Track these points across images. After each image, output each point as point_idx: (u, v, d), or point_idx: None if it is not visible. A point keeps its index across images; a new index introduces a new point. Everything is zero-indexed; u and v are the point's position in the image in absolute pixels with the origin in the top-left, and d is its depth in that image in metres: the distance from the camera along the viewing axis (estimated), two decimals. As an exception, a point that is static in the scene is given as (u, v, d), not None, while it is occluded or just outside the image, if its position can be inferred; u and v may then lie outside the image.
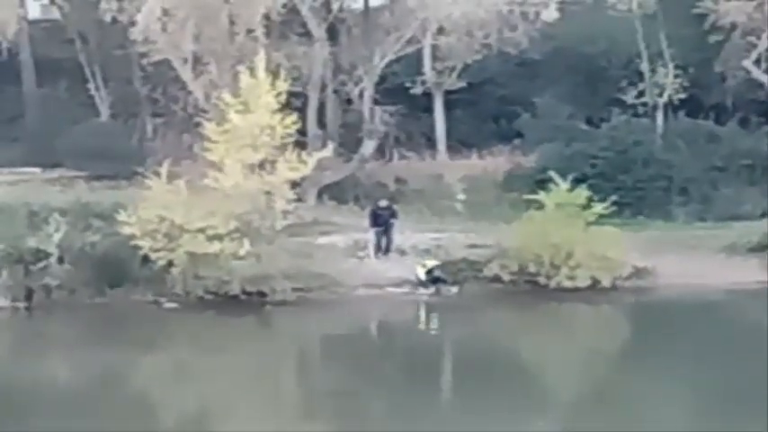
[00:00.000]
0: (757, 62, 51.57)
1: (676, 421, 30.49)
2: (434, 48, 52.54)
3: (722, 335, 40.40)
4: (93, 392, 34.18)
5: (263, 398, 34.39)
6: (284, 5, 49.09)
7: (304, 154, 43.98)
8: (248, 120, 42.63)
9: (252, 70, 43.21)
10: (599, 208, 44.52)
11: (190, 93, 49.18)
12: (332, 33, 53.35)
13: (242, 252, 41.88)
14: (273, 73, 43.54)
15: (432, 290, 44.47)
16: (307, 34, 51.87)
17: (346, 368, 37.57)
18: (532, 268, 43.96)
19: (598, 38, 56.96)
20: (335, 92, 53.47)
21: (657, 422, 30.20)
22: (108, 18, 49.11)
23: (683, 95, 54.04)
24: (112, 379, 35.70)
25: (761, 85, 51.67)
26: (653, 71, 54.51)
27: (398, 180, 52.86)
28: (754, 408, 30.58)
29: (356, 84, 52.93)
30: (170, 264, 42.17)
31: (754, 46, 51.52)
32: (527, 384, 35.08)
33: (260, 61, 43.38)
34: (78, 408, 32.01)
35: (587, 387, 35.48)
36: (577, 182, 45.58)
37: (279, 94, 42.88)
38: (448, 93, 53.89)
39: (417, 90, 53.69)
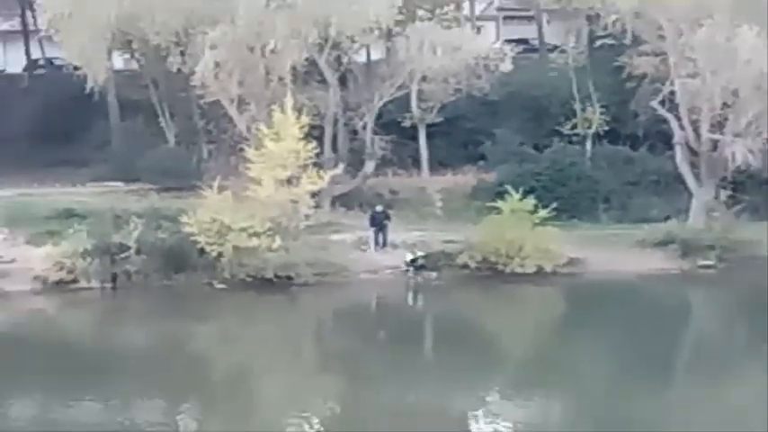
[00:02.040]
0: (662, 103, 51.53)
1: (598, 366, 33.72)
2: (419, 91, 53.10)
3: (634, 307, 42.77)
4: (161, 350, 36.91)
5: (291, 351, 37.47)
6: (306, 59, 49.51)
7: (321, 172, 45.46)
8: (279, 146, 44.00)
9: (282, 108, 44.65)
10: (542, 213, 45.88)
11: (235, 125, 49.88)
12: (342, 80, 54.30)
13: (274, 246, 43.37)
14: (298, 110, 44.96)
15: (416, 274, 45.80)
16: (323, 81, 52.32)
17: (352, 331, 40.69)
18: (492, 258, 45.18)
19: (542, 84, 58.16)
20: (345, 125, 53.82)
21: (584, 368, 33.33)
22: (174, 69, 49.93)
23: (606, 128, 55.79)
24: (177, 340, 38.42)
25: (665, 120, 51.64)
26: (583, 109, 55.75)
27: (392, 191, 53.84)
28: (652, 355, 34.48)
29: (360, 119, 53.55)
30: (220, 254, 43.62)
31: (660, 90, 51.78)
32: (487, 342, 38.14)
33: (288, 102, 44.94)
34: (150, 360, 35.03)
35: (531, 344, 38.50)
36: (526, 193, 46.79)
37: (302, 126, 44.56)
38: (429, 125, 54.64)
39: (406, 123, 54.66)
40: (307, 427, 27.85)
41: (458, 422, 27.61)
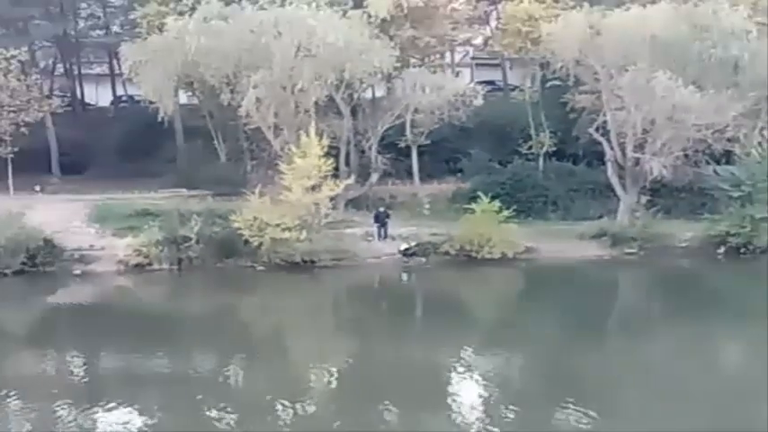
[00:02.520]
0: (597, 129, 50.95)
1: (548, 326, 33.99)
2: (412, 121, 52.25)
3: (575, 283, 42.86)
4: (215, 315, 36.97)
5: (314, 315, 37.75)
6: (326, 96, 48.63)
7: (337, 181, 44.99)
8: (305, 162, 43.50)
9: (307, 133, 44.30)
10: (505, 213, 45.46)
11: (272, 146, 48.71)
12: (353, 112, 53.58)
13: (301, 237, 42.96)
14: (319, 135, 44.66)
15: (409, 259, 45.54)
16: (339, 113, 51.43)
17: (360, 301, 40.96)
18: (468, 247, 44.84)
19: (505, 115, 57.67)
20: (355, 146, 53.30)
21: (537, 328, 33.68)
22: (225, 103, 49.09)
23: (554, 148, 55.13)
24: (227, 308, 38.56)
25: (599, 143, 50.95)
26: (537, 134, 55.07)
27: (391, 196, 53.06)
28: (588, 318, 35.28)
29: (367, 141, 52.80)
30: (260, 244, 43.21)
31: (595, 120, 51.17)
32: (462, 309, 38.31)
33: (312, 128, 44.60)
34: (207, 323, 35.32)
35: (496, 311, 38.73)
36: (493, 198, 46.33)
37: (322, 147, 44.17)
38: (419, 146, 54.15)
39: (402, 145, 54.02)
40: (326, 373, 28.19)
41: (441, 371, 27.77)
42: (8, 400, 24.22)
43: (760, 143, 49.35)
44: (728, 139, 49.09)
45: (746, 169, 47.54)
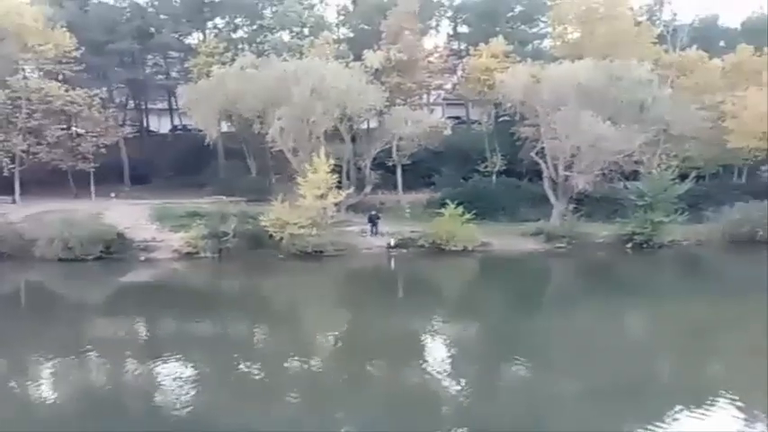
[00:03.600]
0: (537, 153, 50.00)
1: (498, 302, 33.82)
2: (398, 146, 51.51)
3: (519, 269, 42.47)
4: (246, 292, 36.41)
5: (321, 292, 37.11)
6: (333, 126, 48.41)
7: (340, 191, 44.56)
8: (316, 176, 43.18)
9: (318, 155, 43.75)
10: (467, 216, 44.80)
11: (291, 164, 47.64)
12: (353, 139, 53.28)
13: (312, 233, 42.56)
14: (327, 156, 43.98)
15: (394, 250, 44.81)
16: (342, 139, 51.25)
17: (357, 281, 40.27)
18: (438, 241, 44.23)
19: (468, 142, 56.93)
20: (354, 164, 52.73)
21: (489, 303, 33.61)
22: (256, 131, 49.09)
23: (504, 167, 54.80)
24: (255, 286, 38.05)
25: (538, 164, 50.03)
26: (491, 156, 54.92)
27: (380, 203, 52.14)
28: (528, 296, 35.12)
29: (363, 161, 52.13)
30: (281, 238, 42.71)
31: (535, 146, 50.38)
32: (433, 288, 38.05)
33: (321, 151, 44.04)
34: (239, 298, 34.97)
35: (458, 290, 38.25)
36: (458, 205, 45.26)
37: (329, 165, 43.64)
38: (403, 165, 53.15)
39: (390, 164, 53.02)
40: (330, 336, 28.08)
41: (416, 335, 27.65)
42: (89, 355, 24.40)
43: (659, 165, 49.45)
44: (635, 162, 49.71)
45: (648, 184, 47.45)
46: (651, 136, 48.03)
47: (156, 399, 20.07)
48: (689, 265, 44.61)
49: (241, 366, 22.92)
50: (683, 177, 48.68)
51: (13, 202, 49.63)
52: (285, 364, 23.16)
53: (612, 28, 52.45)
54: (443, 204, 46.73)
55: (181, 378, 21.63)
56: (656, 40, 54.99)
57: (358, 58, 51.71)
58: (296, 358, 23.82)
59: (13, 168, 49.33)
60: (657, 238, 45.98)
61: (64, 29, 50.64)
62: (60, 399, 20.21)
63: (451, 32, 66.24)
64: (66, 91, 49.84)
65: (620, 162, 48.71)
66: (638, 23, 54.22)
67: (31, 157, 49.68)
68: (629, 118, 46.78)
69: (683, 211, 46.68)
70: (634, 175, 51.49)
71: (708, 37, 61.34)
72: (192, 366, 23.02)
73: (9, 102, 48.69)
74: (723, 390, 20.14)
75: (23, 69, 52.35)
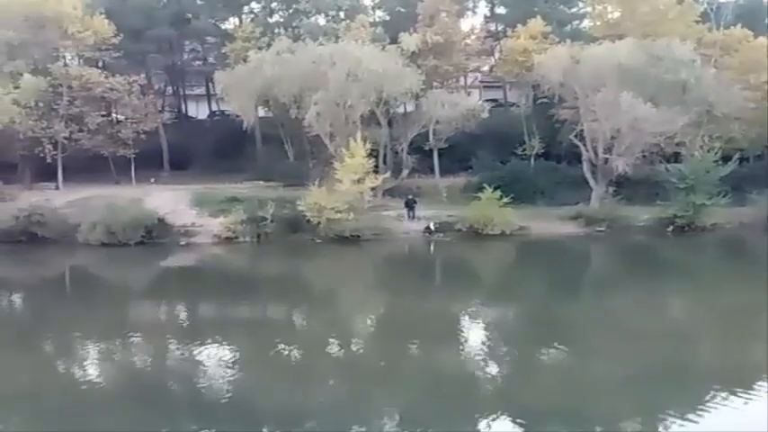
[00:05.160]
0: (575, 136, 49.45)
1: (538, 285, 33.57)
2: (434, 129, 50.76)
3: (558, 252, 42.33)
4: (285, 275, 36.97)
5: (359, 275, 37.76)
6: (369, 110, 48.05)
7: (377, 176, 45.16)
8: (353, 161, 43.52)
9: (355, 139, 44.17)
10: (504, 200, 44.54)
11: (328, 149, 47.84)
12: (390, 123, 53.10)
13: (350, 218, 42.54)
14: (364, 140, 44.38)
15: (431, 235, 44.68)
16: (378, 124, 50.75)
17: (394, 264, 40.44)
18: (475, 225, 44.07)
19: (505, 125, 55.80)
20: (391, 149, 52.51)
21: (529, 287, 33.41)
22: (293, 116, 48.87)
23: (542, 150, 54.04)
24: (294, 269, 38.29)
25: (577, 146, 49.49)
26: (529, 139, 54.01)
27: (417, 187, 51.24)
28: (569, 278, 35.05)
29: (400, 145, 51.82)
30: (318, 223, 42.76)
31: (574, 129, 49.63)
32: (471, 272, 38.24)
33: (358, 135, 44.58)
34: (278, 281, 35.28)
35: (497, 273, 38.26)
36: (495, 189, 45.01)
37: (366, 149, 44.07)
38: (440, 149, 52.55)
39: (426, 147, 52.13)
40: (369, 319, 28.38)
41: (455, 317, 27.71)
42: (132, 338, 24.71)
43: (701, 146, 48.55)
44: (677, 144, 49.07)
45: (690, 166, 46.81)
46: (693, 117, 47.31)
47: (200, 382, 20.25)
48: (731, 249, 43.94)
49: (280, 349, 22.98)
50: (725, 159, 47.45)
51: (57, 188, 50.47)
52: (326, 347, 23.34)
53: (654, 6, 51.66)
54: (481, 188, 46.56)
55: (223, 360, 21.73)
56: (699, 19, 53.97)
57: (394, 41, 51.39)
58: (336, 340, 23.99)
59: (56, 155, 50.03)
60: (699, 221, 45.51)
61: (102, 15, 51.14)
62: (105, 381, 20.56)
63: (488, 14, 65.28)
64: (106, 78, 50.48)
65: (661, 144, 48.02)
66: (681, 1, 53.01)
67: (72, 143, 50.38)
68: (671, 99, 46.10)
69: (725, 194, 46.00)
70: (675, 158, 50.64)
71: (753, 14, 59.55)
72: (234, 349, 23.13)
73: (51, 89, 49.57)
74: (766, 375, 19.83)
75: (64, 57, 53.13)
